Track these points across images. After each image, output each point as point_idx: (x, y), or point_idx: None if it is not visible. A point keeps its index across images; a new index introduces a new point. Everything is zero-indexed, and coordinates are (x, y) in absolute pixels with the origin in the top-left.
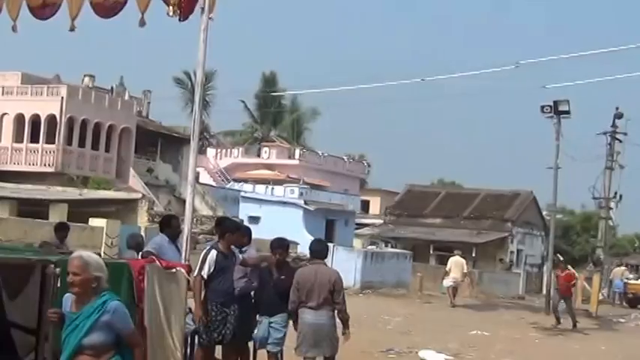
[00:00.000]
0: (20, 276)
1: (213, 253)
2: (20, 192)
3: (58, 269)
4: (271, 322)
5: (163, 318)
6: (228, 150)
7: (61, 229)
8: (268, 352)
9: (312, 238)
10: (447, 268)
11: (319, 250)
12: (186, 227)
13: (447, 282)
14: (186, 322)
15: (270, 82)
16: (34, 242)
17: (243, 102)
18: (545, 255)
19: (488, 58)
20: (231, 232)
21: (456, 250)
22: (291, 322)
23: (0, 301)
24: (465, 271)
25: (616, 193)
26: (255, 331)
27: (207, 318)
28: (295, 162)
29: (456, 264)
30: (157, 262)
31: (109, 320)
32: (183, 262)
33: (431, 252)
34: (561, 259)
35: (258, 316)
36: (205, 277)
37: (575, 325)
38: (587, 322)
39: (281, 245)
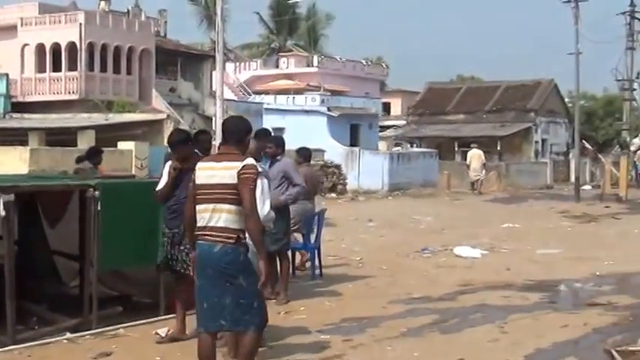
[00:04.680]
0: (59, 204)
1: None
2: (47, 122)
3: (97, 192)
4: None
5: None
6: (247, 63)
7: (96, 154)
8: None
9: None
10: (468, 162)
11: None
12: (217, 141)
13: (470, 176)
14: None
15: None
16: (67, 170)
17: (257, 13)
18: (570, 142)
19: None
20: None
21: (472, 144)
22: None
23: (41, 230)
24: (484, 161)
25: (639, 74)
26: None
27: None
28: (314, 70)
29: (475, 157)
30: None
31: None
32: None
33: (456, 149)
34: (587, 145)
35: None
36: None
37: None
38: (617, 206)
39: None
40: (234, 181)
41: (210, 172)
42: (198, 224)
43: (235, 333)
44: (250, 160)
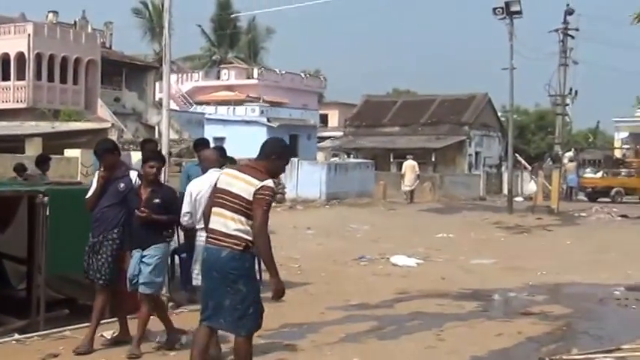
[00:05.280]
0: (8, 209)
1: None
2: None
3: (46, 198)
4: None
5: None
6: (189, 74)
7: (44, 161)
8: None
9: None
10: (402, 172)
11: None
12: (164, 149)
13: (404, 187)
14: None
15: (224, 5)
16: (16, 176)
17: (200, 26)
18: (503, 155)
19: None
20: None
21: (407, 155)
22: None
23: None
24: (417, 172)
25: (571, 90)
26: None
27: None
28: (254, 81)
29: (409, 168)
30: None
31: None
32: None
33: (391, 160)
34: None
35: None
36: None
37: None
38: (549, 218)
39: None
40: (250, 197)
41: (231, 180)
42: (211, 226)
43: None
44: (269, 182)
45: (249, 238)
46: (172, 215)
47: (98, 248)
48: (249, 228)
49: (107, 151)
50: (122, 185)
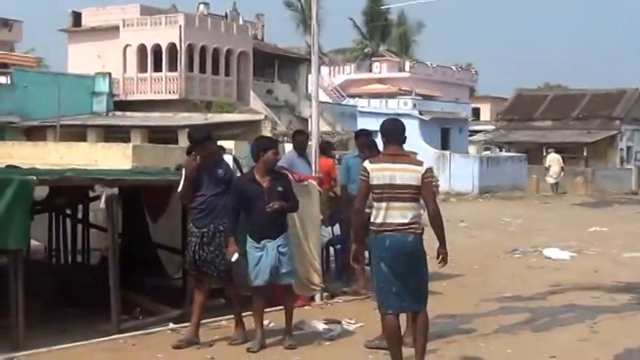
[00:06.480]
0: (161, 198)
1: None
2: (149, 120)
3: None
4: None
5: (299, 229)
6: (341, 67)
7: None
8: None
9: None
10: (547, 165)
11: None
12: (313, 141)
13: (549, 179)
14: (321, 233)
15: None
16: (169, 166)
17: (351, 19)
18: None
19: None
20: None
21: (549, 149)
22: None
23: (145, 224)
24: (562, 165)
25: None
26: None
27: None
28: (406, 74)
29: (554, 160)
30: (290, 175)
31: None
32: (313, 174)
33: (544, 154)
34: None
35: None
36: None
37: None
38: None
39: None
40: (418, 183)
41: (389, 173)
42: (377, 220)
43: None
44: (430, 165)
45: (421, 221)
46: (295, 201)
47: (209, 240)
48: (418, 212)
49: (206, 139)
50: (220, 171)
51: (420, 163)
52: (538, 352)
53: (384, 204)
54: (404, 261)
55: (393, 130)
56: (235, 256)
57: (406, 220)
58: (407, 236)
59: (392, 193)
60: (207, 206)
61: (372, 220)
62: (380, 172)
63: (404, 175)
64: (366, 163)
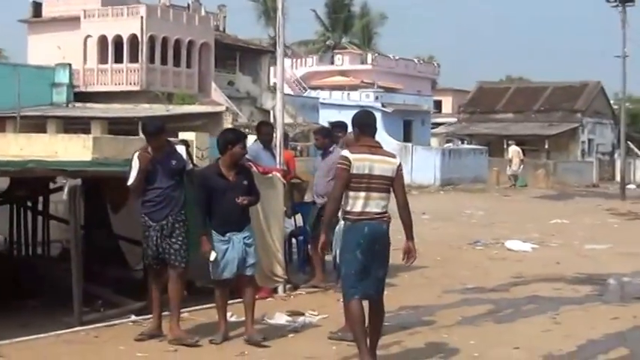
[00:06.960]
0: (122, 190)
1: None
2: (110, 112)
3: None
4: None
5: (262, 220)
6: (303, 59)
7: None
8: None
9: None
10: (509, 157)
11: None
12: (278, 133)
13: (509, 171)
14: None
15: None
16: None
17: (314, 11)
18: (616, 143)
19: None
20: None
21: (509, 141)
22: None
23: (106, 214)
24: (522, 157)
25: None
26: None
27: None
28: (368, 67)
29: (515, 152)
30: (255, 167)
31: None
32: (278, 166)
33: (505, 146)
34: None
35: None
36: None
37: None
38: None
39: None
40: (393, 175)
41: (369, 164)
42: (355, 209)
43: None
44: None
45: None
46: (258, 195)
47: (170, 232)
48: (388, 202)
49: (160, 131)
50: (174, 162)
51: (394, 156)
52: (501, 342)
53: (362, 193)
54: (378, 250)
55: (368, 122)
56: (213, 255)
57: (380, 210)
58: (382, 224)
59: (370, 183)
60: (164, 198)
61: (347, 209)
62: (360, 163)
63: (382, 166)
64: (347, 153)
